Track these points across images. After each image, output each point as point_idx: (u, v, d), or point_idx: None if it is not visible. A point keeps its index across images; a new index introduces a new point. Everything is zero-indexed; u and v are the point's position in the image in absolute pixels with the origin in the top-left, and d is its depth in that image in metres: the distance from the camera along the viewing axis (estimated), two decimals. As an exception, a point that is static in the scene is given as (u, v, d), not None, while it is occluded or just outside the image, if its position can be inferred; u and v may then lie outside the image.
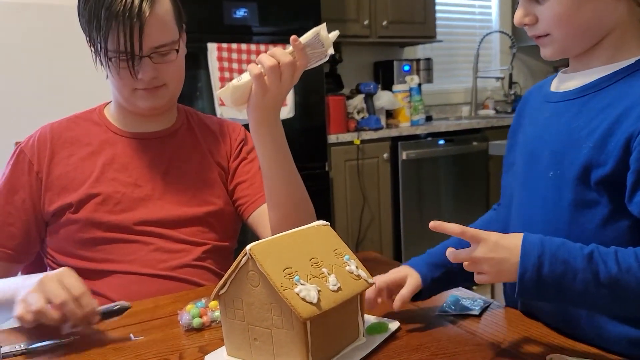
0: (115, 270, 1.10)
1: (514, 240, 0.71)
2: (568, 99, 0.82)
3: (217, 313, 0.87)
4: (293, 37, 0.96)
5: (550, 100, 0.86)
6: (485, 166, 3.29)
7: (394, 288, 0.89)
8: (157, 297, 1.05)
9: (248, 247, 0.71)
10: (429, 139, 3.09)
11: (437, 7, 3.49)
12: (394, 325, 0.85)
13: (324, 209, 2.71)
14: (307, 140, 2.67)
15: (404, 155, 2.97)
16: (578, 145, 0.76)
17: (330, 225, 0.87)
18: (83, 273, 1.09)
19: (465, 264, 0.73)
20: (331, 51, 0.99)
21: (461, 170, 3.20)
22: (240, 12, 2.45)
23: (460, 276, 0.89)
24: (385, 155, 2.94)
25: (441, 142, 3.11)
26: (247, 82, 0.98)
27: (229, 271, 0.74)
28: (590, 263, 0.67)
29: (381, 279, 0.89)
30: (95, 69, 1.09)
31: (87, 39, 1.07)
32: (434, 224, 0.74)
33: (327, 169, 2.73)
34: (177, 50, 1.09)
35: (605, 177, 0.72)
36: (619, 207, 0.73)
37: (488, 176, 3.30)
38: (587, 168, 0.74)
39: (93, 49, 1.06)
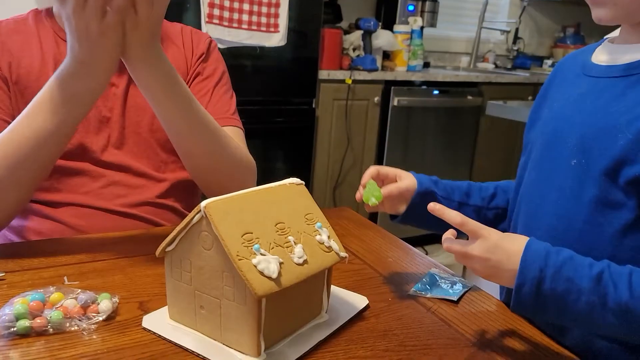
0: (71, 202, 0.98)
1: (516, 245, 0.61)
2: (612, 76, 0.69)
3: (58, 314, 0.65)
4: None
5: (589, 73, 0.73)
6: (476, 123, 3.17)
7: (384, 180, 0.85)
8: (106, 235, 0.94)
9: (203, 203, 0.60)
10: (424, 87, 2.94)
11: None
12: (362, 302, 0.76)
13: (305, 148, 2.60)
14: (296, 72, 2.51)
15: (395, 101, 2.83)
16: (614, 133, 0.64)
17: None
18: (40, 202, 0.98)
19: (456, 257, 0.63)
20: None
21: (451, 124, 3.08)
22: None
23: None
24: (376, 99, 2.80)
25: (436, 92, 2.97)
26: None
27: (179, 227, 0.63)
28: (599, 285, 0.58)
29: (377, 166, 0.85)
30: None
31: None
32: (433, 206, 0.66)
33: (314, 105, 2.59)
34: None
35: (638, 177, 0.61)
36: None
37: (477, 134, 3.19)
38: (619, 162, 0.63)
39: None
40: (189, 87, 1.06)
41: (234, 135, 1.06)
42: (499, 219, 0.92)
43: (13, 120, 0.85)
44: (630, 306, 0.57)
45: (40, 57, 0.99)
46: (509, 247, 0.63)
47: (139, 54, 0.81)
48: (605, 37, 0.77)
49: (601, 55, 0.73)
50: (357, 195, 0.82)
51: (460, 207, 0.89)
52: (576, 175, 0.68)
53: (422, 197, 0.84)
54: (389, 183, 0.85)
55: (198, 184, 1.05)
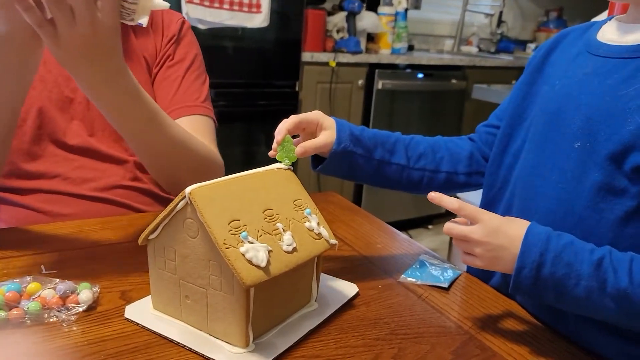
0: (38, 189, 0.94)
1: (518, 229, 0.60)
2: (620, 57, 0.66)
3: (35, 305, 0.62)
4: None
5: (595, 52, 0.70)
6: (461, 107, 3.16)
7: (306, 128, 0.79)
8: (84, 222, 0.90)
9: (188, 189, 0.57)
10: (408, 70, 2.92)
11: None
12: (352, 290, 0.74)
13: (288, 131, 2.55)
14: (279, 54, 2.46)
15: (379, 84, 2.80)
16: (622, 117, 0.62)
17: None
18: (7, 190, 0.94)
19: (456, 241, 0.61)
20: (142, 21, 0.70)
21: (436, 107, 3.07)
22: None
23: (370, 175, 0.83)
24: (360, 82, 2.77)
25: (420, 75, 2.95)
26: None
27: (162, 213, 0.60)
28: (598, 271, 0.57)
29: (298, 116, 0.77)
30: None
31: None
32: (433, 195, 0.65)
33: (297, 88, 2.55)
34: None
35: None
36: None
37: (462, 117, 3.19)
38: (627, 148, 0.61)
39: None
40: (159, 71, 1.02)
41: (203, 125, 1.01)
42: (425, 181, 0.87)
43: None
44: (629, 293, 0.56)
45: None
46: (511, 231, 0.62)
47: (83, 73, 0.71)
48: (610, 16, 0.74)
49: (609, 34, 0.71)
50: (271, 153, 0.74)
51: (380, 165, 0.83)
52: (579, 159, 0.67)
53: (340, 155, 0.79)
54: (310, 132, 0.79)
55: (158, 181, 0.99)
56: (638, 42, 0.66)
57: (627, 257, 0.59)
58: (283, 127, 0.74)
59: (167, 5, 0.70)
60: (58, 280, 0.67)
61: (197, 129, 0.99)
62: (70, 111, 0.97)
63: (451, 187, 0.89)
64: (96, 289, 0.67)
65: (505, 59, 3.45)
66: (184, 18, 1.09)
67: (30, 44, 0.72)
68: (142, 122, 0.81)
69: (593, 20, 0.86)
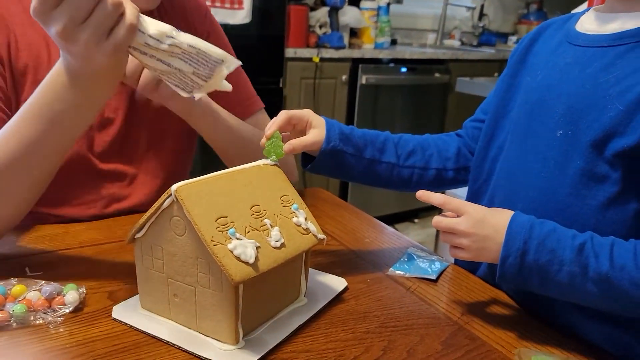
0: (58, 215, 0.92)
1: (502, 219, 0.61)
2: (600, 45, 0.67)
3: (21, 307, 0.61)
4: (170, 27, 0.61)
5: (575, 42, 0.71)
6: (445, 100, 3.18)
7: (296, 125, 0.78)
8: (69, 222, 0.89)
9: (174, 187, 0.57)
10: (392, 65, 2.93)
11: None
12: (341, 284, 0.74)
13: (273, 127, 2.54)
14: (262, 51, 2.45)
15: (363, 79, 2.80)
16: (603, 105, 0.63)
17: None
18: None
19: (443, 234, 0.62)
20: (197, 95, 0.67)
21: (419, 101, 3.08)
22: None
23: (361, 173, 0.84)
24: (344, 77, 2.77)
25: (403, 69, 2.96)
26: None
27: (148, 212, 0.59)
28: (580, 256, 0.58)
29: (289, 112, 0.77)
30: None
31: None
32: (420, 194, 0.67)
33: (281, 85, 2.54)
34: None
35: (626, 150, 0.61)
36: (631, 187, 0.62)
37: (445, 111, 3.20)
38: (608, 134, 0.62)
39: None
40: None
41: (263, 120, 1.05)
42: (415, 178, 0.87)
43: (13, 108, 0.77)
44: (610, 276, 0.58)
45: (45, 43, 0.85)
46: (495, 221, 0.63)
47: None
48: (589, 7, 0.75)
49: (587, 24, 0.72)
50: (262, 141, 0.73)
51: (371, 164, 0.83)
52: (562, 147, 0.67)
53: (329, 154, 0.79)
54: (300, 130, 0.79)
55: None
56: (616, 31, 0.67)
57: (608, 241, 0.60)
58: (274, 123, 0.74)
59: (230, 87, 0.67)
60: (43, 282, 0.66)
61: (259, 125, 1.03)
62: (108, 132, 0.93)
63: (441, 183, 0.90)
64: (82, 289, 0.66)
65: (487, 52, 3.47)
66: (207, 7, 1.05)
67: (116, 83, 0.69)
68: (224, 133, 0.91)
69: (573, 12, 0.87)
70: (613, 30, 0.67)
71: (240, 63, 0.65)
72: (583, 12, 0.75)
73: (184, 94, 0.68)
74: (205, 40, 0.63)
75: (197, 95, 0.68)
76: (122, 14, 0.59)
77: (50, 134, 0.68)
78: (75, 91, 0.65)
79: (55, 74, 0.66)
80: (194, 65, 0.63)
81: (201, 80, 0.65)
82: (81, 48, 0.59)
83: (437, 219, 0.68)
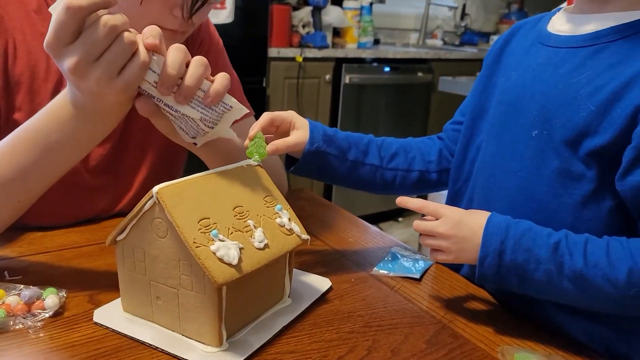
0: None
1: (479, 220, 0.62)
2: (570, 46, 0.68)
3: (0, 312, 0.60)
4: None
5: (547, 43, 0.72)
6: (427, 99, 3.20)
7: (279, 126, 0.78)
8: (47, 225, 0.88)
9: (155, 188, 0.56)
10: (375, 64, 2.94)
11: None
12: (325, 284, 0.74)
13: (257, 127, 2.53)
14: (245, 50, 2.44)
15: (347, 78, 2.81)
16: (575, 105, 0.64)
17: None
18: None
19: (422, 237, 0.62)
20: (199, 141, 0.68)
21: (403, 101, 3.09)
22: None
23: (344, 175, 0.83)
24: (328, 77, 2.77)
25: (387, 69, 2.97)
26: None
27: (130, 214, 0.59)
28: (555, 254, 0.59)
29: (272, 113, 0.76)
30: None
31: None
32: (399, 201, 0.68)
33: (264, 84, 2.54)
34: None
35: (599, 148, 0.62)
36: (605, 185, 0.63)
37: (428, 110, 3.22)
38: (581, 134, 0.63)
39: None
40: None
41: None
42: (398, 180, 0.87)
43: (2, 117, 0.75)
44: (584, 273, 0.59)
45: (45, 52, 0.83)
46: (473, 222, 0.64)
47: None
48: (559, 6, 0.76)
49: (558, 25, 0.73)
50: (246, 142, 0.72)
51: (354, 166, 0.83)
52: (537, 146, 0.68)
53: (312, 155, 0.79)
54: (284, 131, 0.79)
55: None
56: (586, 32, 0.68)
57: (582, 239, 0.61)
58: (257, 124, 0.73)
59: (234, 135, 0.67)
60: (22, 286, 0.65)
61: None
62: (103, 144, 0.91)
63: (424, 185, 0.90)
64: (62, 293, 0.65)
65: (469, 51, 3.50)
66: (218, 40, 1.03)
67: (120, 117, 0.67)
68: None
69: (561, 6, 0.88)
70: (584, 31, 0.68)
71: (248, 111, 0.64)
72: (554, 13, 0.76)
73: (187, 139, 0.67)
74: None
75: (200, 142, 0.67)
76: (134, 52, 0.58)
77: (44, 164, 0.66)
78: (77, 125, 0.63)
79: (58, 104, 0.64)
80: (202, 110, 0.62)
81: (207, 127, 0.64)
82: (92, 84, 0.58)
83: (417, 223, 0.69)
